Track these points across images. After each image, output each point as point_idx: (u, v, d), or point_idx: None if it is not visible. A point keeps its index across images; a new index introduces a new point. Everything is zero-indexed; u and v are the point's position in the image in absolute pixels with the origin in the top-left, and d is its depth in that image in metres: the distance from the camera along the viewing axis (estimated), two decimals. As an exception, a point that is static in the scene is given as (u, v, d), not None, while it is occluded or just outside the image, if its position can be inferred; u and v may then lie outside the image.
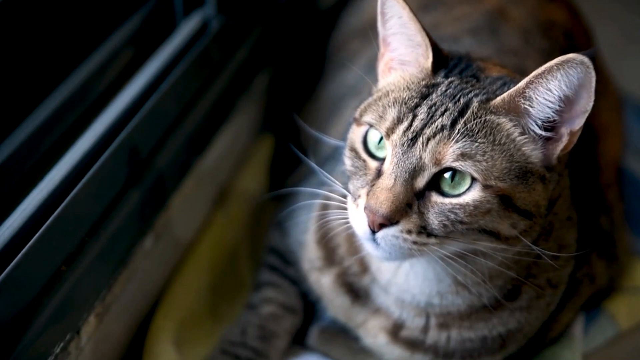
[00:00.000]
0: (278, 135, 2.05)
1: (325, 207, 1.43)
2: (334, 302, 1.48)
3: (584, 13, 1.87)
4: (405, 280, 1.35)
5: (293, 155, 1.58)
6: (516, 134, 1.20)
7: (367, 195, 1.20)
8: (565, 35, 1.73)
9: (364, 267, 1.42)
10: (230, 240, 1.79)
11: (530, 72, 1.18)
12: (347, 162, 1.28)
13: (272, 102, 2.12)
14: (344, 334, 1.53)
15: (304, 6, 2.22)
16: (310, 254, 1.51)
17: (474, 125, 1.17)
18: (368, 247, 1.23)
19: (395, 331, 1.41)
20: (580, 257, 1.45)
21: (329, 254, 1.47)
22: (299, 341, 1.59)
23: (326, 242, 1.47)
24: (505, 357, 1.44)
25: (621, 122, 1.90)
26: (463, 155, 1.16)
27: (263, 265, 1.67)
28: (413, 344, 1.41)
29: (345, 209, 1.27)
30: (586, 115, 1.18)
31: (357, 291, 1.44)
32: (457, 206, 1.17)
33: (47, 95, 1.47)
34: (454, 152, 1.16)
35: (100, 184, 1.42)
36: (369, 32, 1.87)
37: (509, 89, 1.20)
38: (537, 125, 1.20)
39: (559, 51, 1.68)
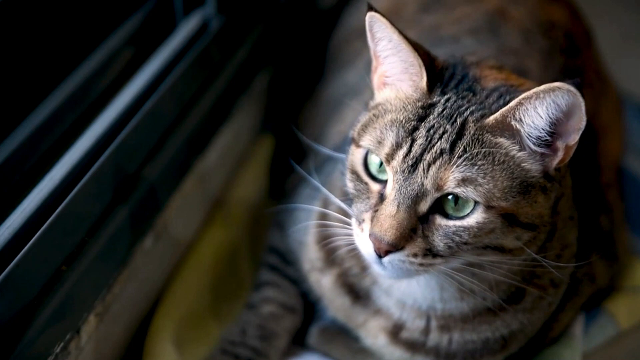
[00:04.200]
0: (278, 135, 2.05)
1: (323, 216, 1.43)
2: (335, 303, 1.48)
3: (584, 13, 1.87)
4: (407, 286, 1.35)
5: (293, 155, 1.58)
6: (514, 151, 1.19)
7: (372, 221, 1.20)
8: (566, 35, 1.73)
9: (364, 267, 1.42)
10: (230, 240, 1.79)
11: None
12: (350, 184, 1.27)
13: (272, 102, 2.12)
14: (344, 334, 1.53)
15: (304, 6, 2.22)
16: (310, 255, 1.51)
17: (472, 148, 1.17)
18: (375, 268, 1.24)
19: (396, 332, 1.41)
20: (581, 257, 1.45)
21: (330, 255, 1.47)
22: (299, 341, 1.59)
23: (326, 243, 1.47)
24: (506, 356, 1.44)
25: (621, 122, 1.90)
26: (464, 181, 1.16)
27: (263, 265, 1.67)
28: (413, 346, 1.41)
29: (346, 223, 1.28)
30: (580, 132, 1.17)
31: (357, 292, 1.44)
32: (461, 228, 1.17)
33: (47, 95, 1.47)
34: (455, 178, 1.16)
35: (101, 183, 1.42)
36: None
37: (504, 101, 1.20)
38: (531, 142, 1.19)
39: (559, 51, 1.68)
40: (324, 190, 1.36)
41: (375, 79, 1.32)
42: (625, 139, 1.94)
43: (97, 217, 1.42)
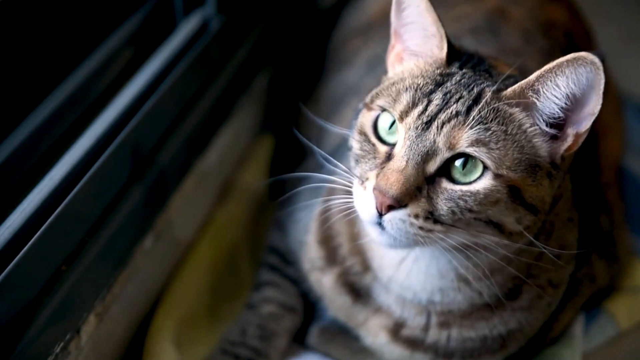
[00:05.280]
0: (278, 135, 2.05)
1: (328, 200, 1.42)
2: (335, 302, 1.48)
3: (584, 13, 1.87)
4: (407, 276, 1.35)
5: (293, 155, 1.58)
6: (527, 124, 1.20)
7: (377, 177, 1.19)
8: (566, 35, 1.74)
9: (366, 265, 1.42)
10: (230, 240, 1.79)
11: (531, 72, 1.18)
12: (356, 145, 1.27)
13: (272, 102, 2.12)
14: (344, 334, 1.53)
15: (304, 6, 2.22)
16: (311, 254, 1.51)
17: (487, 114, 1.18)
18: (373, 232, 1.22)
19: (396, 330, 1.42)
20: (581, 257, 1.45)
21: (330, 254, 1.47)
22: (299, 341, 1.59)
23: (327, 242, 1.47)
24: (505, 357, 1.44)
25: (621, 122, 1.90)
26: (477, 142, 1.16)
27: (263, 264, 1.67)
28: (413, 343, 1.41)
29: (349, 193, 1.26)
30: (593, 118, 1.18)
31: (358, 290, 1.44)
32: (468, 193, 1.17)
33: (47, 95, 1.47)
34: (468, 137, 1.16)
35: (100, 184, 1.42)
36: (369, 32, 1.87)
37: None
38: (543, 120, 1.20)
39: (559, 51, 1.68)
40: (335, 161, 1.34)
41: (391, 57, 1.33)
42: (625, 139, 1.94)
43: (97, 217, 1.42)
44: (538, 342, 1.49)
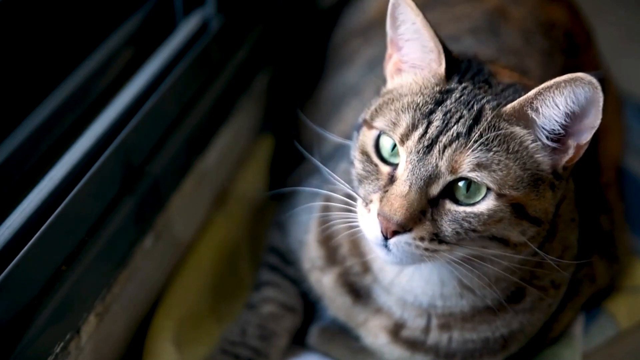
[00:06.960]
0: (278, 135, 2.05)
1: (326, 209, 1.42)
2: (335, 302, 1.48)
3: (584, 13, 1.87)
4: (408, 281, 1.35)
5: (293, 155, 1.58)
6: (529, 141, 1.20)
7: (381, 201, 1.19)
8: (566, 35, 1.74)
9: (366, 267, 1.42)
10: (230, 240, 1.79)
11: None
12: (358, 165, 1.26)
13: (272, 102, 2.12)
14: (344, 334, 1.53)
15: (304, 6, 2.22)
16: (311, 254, 1.51)
17: (488, 134, 1.17)
18: (379, 252, 1.23)
19: (396, 331, 1.41)
20: (581, 257, 1.45)
21: (331, 254, 1.47)
22: (299, 341, 1.59)
23: (328, 241, 1.47)
24: (506, 357, 1.44)
25: (621, 122, 1.90)
26: (479, 166, 1.16)
27: (263, 264, 1.67)
28: (414, 344, 1.41)
29: (349, 210, 1.26)
30: (594, 130, 1.18)
31: (358, 291, 1.44)
32: (472, 215, 1.17)
33: (47, 95, 1.47)
34: (470, 162, 1.16)
35: (101, 183, 1.42)
36: (369, 32, 1.87)
37: (520, 96, 1.20)
38: (544, 135, 1.20)
39: (559, 51, 1.68)
40: (327, 170, 1.34)
41: (390, 67, 1.32)
42: (625, 139, 1.94)
43: (97, 216, 1.42)
44: (538, 342, 1.49)
